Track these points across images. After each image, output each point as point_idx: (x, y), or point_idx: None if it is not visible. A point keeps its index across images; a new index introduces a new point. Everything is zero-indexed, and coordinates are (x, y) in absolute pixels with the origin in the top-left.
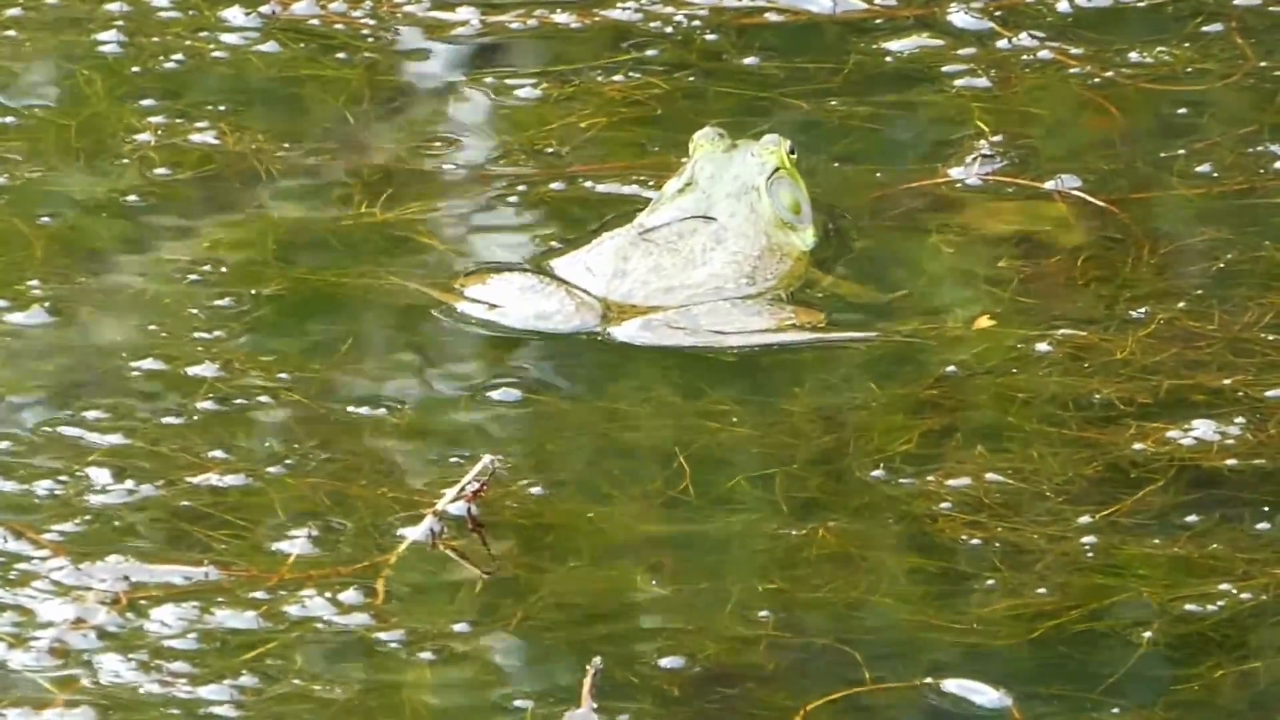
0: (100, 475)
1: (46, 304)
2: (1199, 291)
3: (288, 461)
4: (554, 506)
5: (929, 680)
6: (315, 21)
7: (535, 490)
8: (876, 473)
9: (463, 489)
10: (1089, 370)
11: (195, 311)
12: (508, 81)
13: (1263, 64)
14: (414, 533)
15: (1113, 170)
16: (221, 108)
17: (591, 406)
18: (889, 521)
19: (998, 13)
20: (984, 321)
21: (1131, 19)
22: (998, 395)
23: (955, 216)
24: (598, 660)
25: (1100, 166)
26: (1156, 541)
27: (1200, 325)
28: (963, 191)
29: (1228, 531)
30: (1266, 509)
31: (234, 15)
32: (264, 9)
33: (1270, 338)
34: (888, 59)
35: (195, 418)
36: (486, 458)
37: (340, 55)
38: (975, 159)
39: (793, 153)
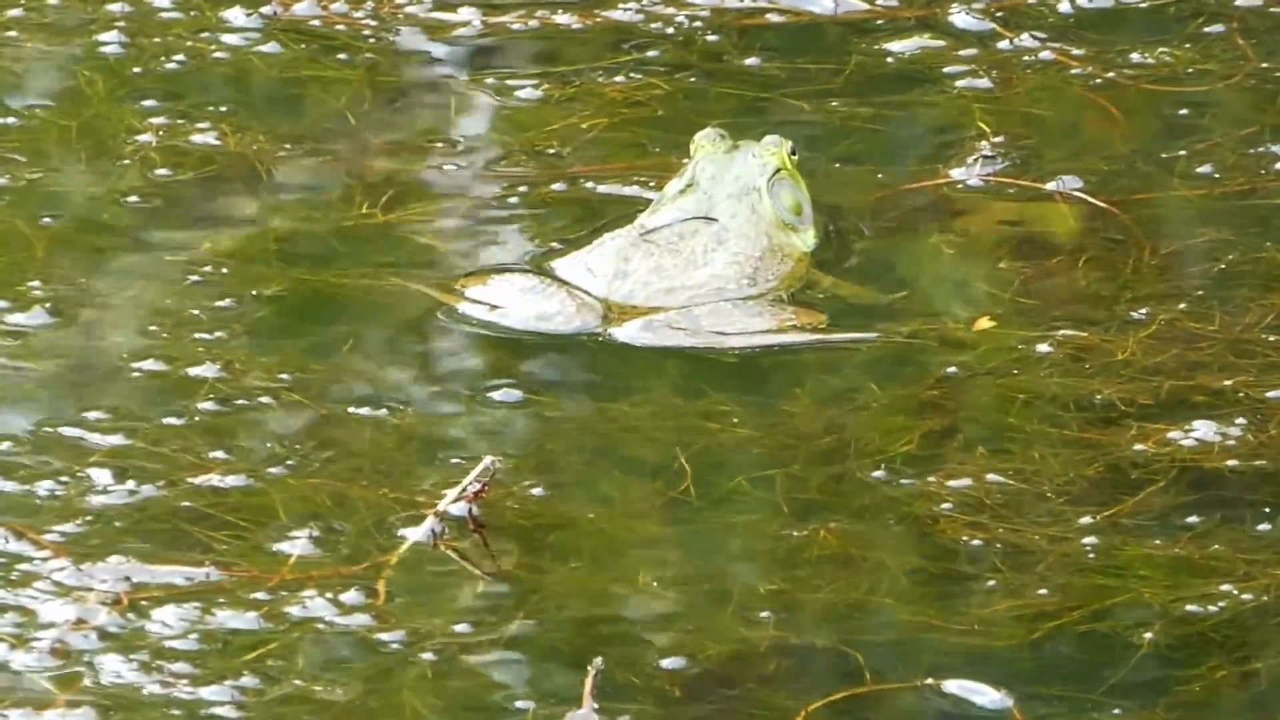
0: (101, 476)
1: (48, 304)
2: (1200, 292)
3: (289, 462)
4: (555, 507)
5: (930, 681)
6: (316, 22)
7: (536, 491)
8: (877, 473)
9: (464, 490)
10: (1090, 371)
11: (196, 312)
12: (509, 82)
13: (1264, 65)
14: (415, 533)
15: (1114, 171)
16: (223, 108)
17: (592, 407)
18: (890, 522)
19: (999, 14)
20: (985, 322)
21: (1133, 20)
22: (999, 396)
23: (956, 218)
24: (599, 661)
25: (1101, 167)
26: (1158, 542)
27: (1201, 326)
28: (964, 192)
29: (1229, 532)
30: (1267, 510)
31: (235, 16)
32: (265, 10)
33: (1271, 339)
34: (889, 60)
35: (196, 418)
36: (487, 458)
37: (341, 56)
38: (976, 160)
39: (794, 154)
